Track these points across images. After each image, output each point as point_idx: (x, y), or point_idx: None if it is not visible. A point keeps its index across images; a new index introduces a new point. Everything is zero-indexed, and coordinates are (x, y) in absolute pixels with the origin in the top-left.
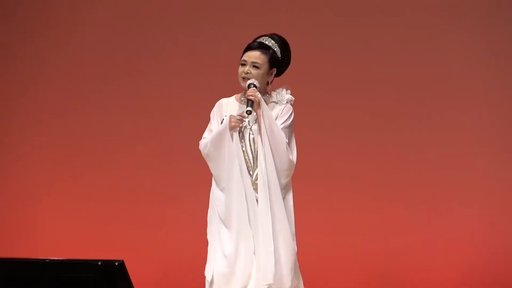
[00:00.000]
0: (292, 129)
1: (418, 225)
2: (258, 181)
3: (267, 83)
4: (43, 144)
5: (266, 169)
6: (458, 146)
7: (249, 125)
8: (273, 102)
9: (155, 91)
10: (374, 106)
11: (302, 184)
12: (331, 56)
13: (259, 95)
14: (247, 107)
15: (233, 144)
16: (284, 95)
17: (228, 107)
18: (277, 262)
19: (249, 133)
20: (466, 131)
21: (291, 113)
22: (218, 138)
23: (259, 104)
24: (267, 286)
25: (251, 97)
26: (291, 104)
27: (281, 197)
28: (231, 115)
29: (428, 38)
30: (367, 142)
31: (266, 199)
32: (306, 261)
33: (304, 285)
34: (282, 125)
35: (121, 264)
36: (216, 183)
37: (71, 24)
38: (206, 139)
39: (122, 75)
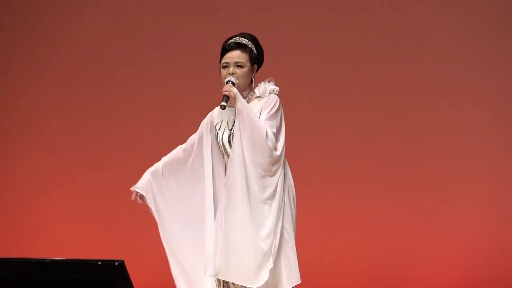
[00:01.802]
0: (281, 118)
1: (417, 226)
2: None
3: (251, 81)
4: (43, 144)
5: (240, 162)
6: (459, 147)
7: (229, 126)
8: (258, 97)
9: (155, 92)
10: (373, 105)
11: (301, 184)
12: (334, 55)
13: (235, 90)
14: (221, 102)
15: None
16: (267, 87)
17: (221, 113)
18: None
19: (222, 135)
20: (466, 131)
21: (276, 102)
22: None
23: (235, 99)
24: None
25: (225, 92)
26: (276, 94)
27: (247, 195)
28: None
29: (429, 38)
30: (366, 143)
31: (233, 196)
32: (306, 261)
33: (304, 285)
34: (267, 115)
35: (121, 264)
36: None
37: (70, 24)
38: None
39: (123, 76)
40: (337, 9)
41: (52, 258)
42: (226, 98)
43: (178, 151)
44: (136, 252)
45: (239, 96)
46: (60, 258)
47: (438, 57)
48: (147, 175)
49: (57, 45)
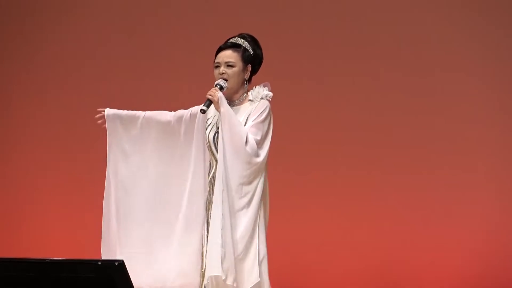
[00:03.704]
0: (268, 125)
1: (417, 230)
2: (216, 181)
3: (245, 81)
4: (43, 144)
5: (223, 168)
6: (460, 152)
7: (216, 124)
8: (250, 100)
9: (156, 91)
10: (372, 107)
11: (302, 187)
12: (331, 57)
13: (220, 94)
14: (202, 105)
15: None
16: (260, 91)
17: (214, 109)
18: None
19: (209, 132)
20: (465, 133)
21: (265, 108)
22: None
23: (218, 103)
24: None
25: (209, 96)
26: (268, 99)
27: (227, 201)
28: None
29: (429, 38)
30: (365, 144)
31: (219, 199)
32: (302, 266)
33: None
34: (254, 122)
35: (121, 264)
36: None
37: (68, 21)
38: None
39: (123, 72)
40: (337, 9)
41: (52, 258)
42: (209, 102)
43: (165, 115)
44: None
45: (223, 101)
46: (60, 258)
47: (438, 58)
48: (123, 113)
49: (54, 37)
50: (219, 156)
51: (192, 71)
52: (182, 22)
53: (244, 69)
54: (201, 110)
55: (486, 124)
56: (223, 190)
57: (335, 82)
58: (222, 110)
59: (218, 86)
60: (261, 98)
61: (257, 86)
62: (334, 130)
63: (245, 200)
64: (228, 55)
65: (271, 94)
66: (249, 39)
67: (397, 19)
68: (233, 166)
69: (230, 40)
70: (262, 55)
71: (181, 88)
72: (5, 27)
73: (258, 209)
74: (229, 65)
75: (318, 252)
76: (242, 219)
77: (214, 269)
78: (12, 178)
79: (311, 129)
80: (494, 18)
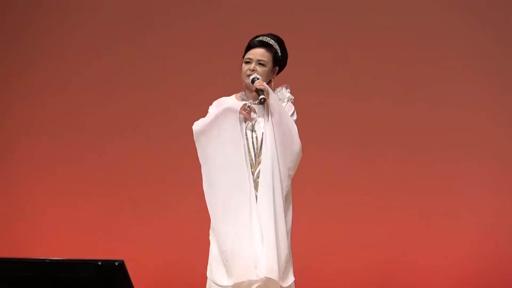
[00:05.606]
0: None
1: (416, 231)
2: (260, 178)
3: (270, 82)
4: (42, 143)
5: (272, 161)
6: (458, 154)
7: (252, 122)
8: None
9: (157, 90)
10: (372, 108)
11: (302, 187)
12: (331, 55)
13: (267, 86)
14: (260, 96)
15: (239, 127)
16: (285, 93)
17: (228, 105)
18: (279, 257)
19: (252, 130)
20: (464, 135)
21: (294, 111)
22: (223, 117)
23: (268, 93)
24: (270, 278)
25: (260, 87)
26: (292, 103)
27: (281, 193)
28: (244, 104)
29: (428, 38)
30: (365, 146)
31: (270, 195)
32: (303, 266)
33: None
34: None
35: (121, 264)
36: (209, 170)
37: (69, 22)
38: (206, 117)
39: (123, 72)
40: (338, 10)
41: (52, 258)
42: (262, 92)
43: None
44: (136, 252)
45: (271, 91)
46: (60, 258)
47: (437, 60)
48: None
49: (53, 38)
50: (268, 146)
51: (195, 72)
52: (184, 23)
53: (273, 70)
54: (261, 99)
55: (486, 128)
56: (275, 186)
57: (336, 84)
58: (271, 100)
59: (257, 79)
60: (287, 100)
61: (279, 87)
62: (334, 131)
63: (287, 191)
64: (261, 53)
65: (293, 97)
66: (278, 41)
67: (402, 21)
68: (284, 157)
69: (260, 39)
70: (287, 58)
71: (184, 89)
72: (6, 27)
73: (292, 202)
74: (260, 63)
75: (318, 251)
76: (287, 213)
77: (271, 272)
78: (12, 178)
79: (311, 129)
80: (495, 20)
